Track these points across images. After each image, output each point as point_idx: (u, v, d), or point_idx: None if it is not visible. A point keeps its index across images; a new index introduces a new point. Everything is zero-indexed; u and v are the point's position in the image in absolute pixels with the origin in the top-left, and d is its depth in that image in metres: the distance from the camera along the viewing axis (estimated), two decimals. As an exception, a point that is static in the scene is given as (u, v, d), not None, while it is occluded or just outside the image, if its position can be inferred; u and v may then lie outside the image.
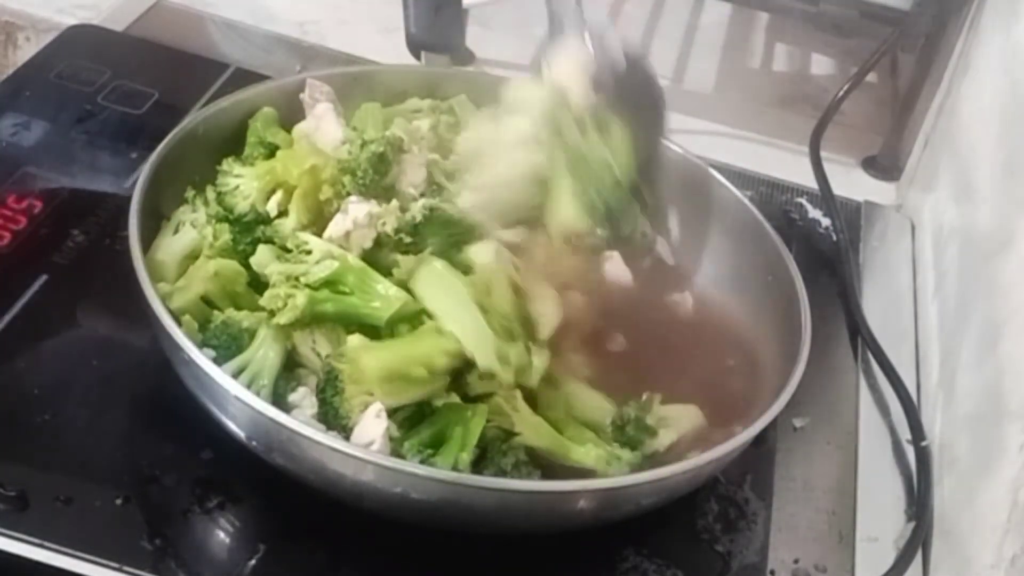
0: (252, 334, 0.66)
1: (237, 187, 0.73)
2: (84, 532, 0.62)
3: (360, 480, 0.60)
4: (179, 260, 0.71)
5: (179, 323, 0.64)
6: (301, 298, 0.66)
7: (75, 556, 0.61)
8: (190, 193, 0.75)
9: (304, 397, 0.65)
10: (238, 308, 0.68)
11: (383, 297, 0.67)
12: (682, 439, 0.70)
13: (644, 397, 0.70)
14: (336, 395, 0.63)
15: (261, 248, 0.70)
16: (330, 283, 0.67)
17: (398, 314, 0.67)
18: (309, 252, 0.68)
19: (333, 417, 0.63)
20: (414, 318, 0.67)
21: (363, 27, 1.12)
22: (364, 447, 0.61)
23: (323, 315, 0.67)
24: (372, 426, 0.62)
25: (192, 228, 0.73)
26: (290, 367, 0.67)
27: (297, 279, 0.67)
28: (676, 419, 0.70)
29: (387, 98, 0.85)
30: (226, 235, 0.71)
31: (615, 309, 0.77)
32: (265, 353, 0.66)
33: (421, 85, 0.88)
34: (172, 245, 0.72)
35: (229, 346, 0.65)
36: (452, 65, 0.96)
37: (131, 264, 0.65)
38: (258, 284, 0.70)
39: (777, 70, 1.23)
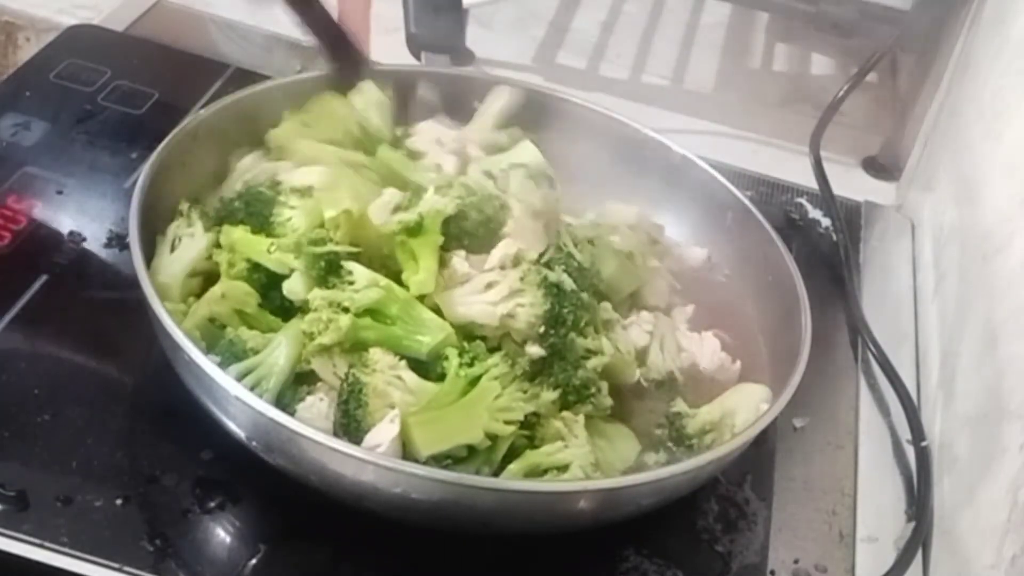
0: (258, 354, 0.66)
1: (289, 219, 0.72)
2: (84, 532, 0.62)
3: (360, 480, 0.60)
4: (182, 280, 0.71)
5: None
6: (345, 320, 0.66)
7: (75, 556, 0.61)
8: (184, 206, 0.74)
9: (312, 407, 0.65)
10: (250, 328, 0.68)
11: (426, 329, 0.67)
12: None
13: (673, 410, 0.70)
14: (359, 408, 0.63)
15: (295, 275, 0.69)
16: (373, 311, 0.67)
17: (440, 346, 0.66)
18: (352, 282, 0.68)
19: (355, 430, 0.63)
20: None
21: (363, 27, 1.12)
22: (371, 449, 0.61)
23: (364, 341, 0.66)
24: (384, 430, 0.62)
25: (192, 244, 0.72)
26: (300, 381, 0.67)
27: (339, 305, 0.66)
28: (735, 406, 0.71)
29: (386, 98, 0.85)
30: (242, 264, 0.70)
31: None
32: (275, 359, 0.66)
33: (421, 85, 0.88)
34: (173, 264, 0.71)
35: (232, 363, 0.65)
36: (452, 65, 0.96)
37: (131, 263, 0.65)
38: (275, 307, 0.70)
39: (777, 70, 1.23)
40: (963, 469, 0.73)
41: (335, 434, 0.63)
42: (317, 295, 0.67)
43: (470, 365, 0.66)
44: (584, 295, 0.70)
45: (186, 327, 0.66)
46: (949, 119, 0.99)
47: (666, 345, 0.74)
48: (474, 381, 0.65)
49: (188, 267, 0.71)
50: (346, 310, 0.66)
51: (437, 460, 0.62)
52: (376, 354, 0.65)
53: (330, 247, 0.69)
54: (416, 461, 0.61)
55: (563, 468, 0.65)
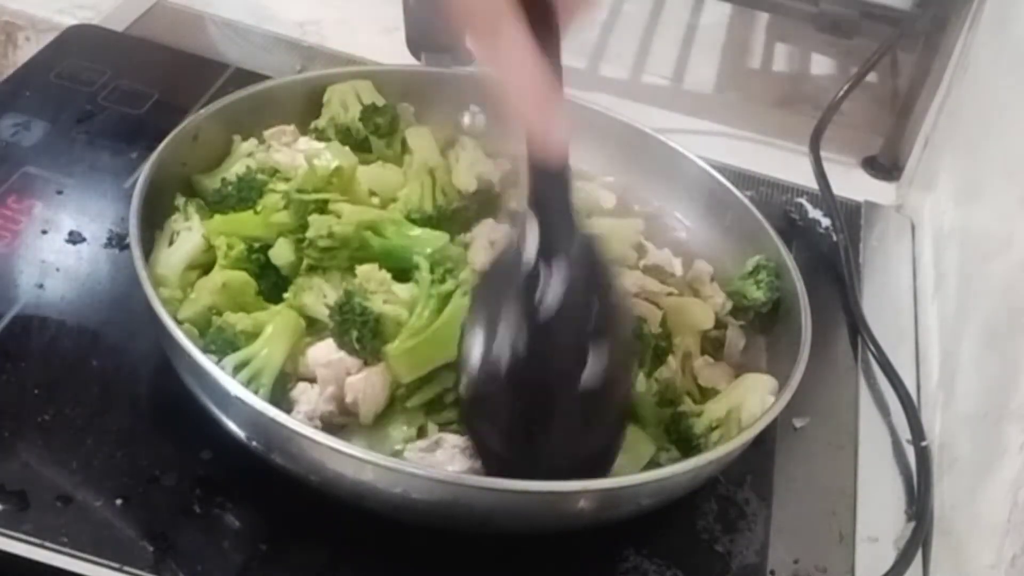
0: (249, 336, 0.66)
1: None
2: (84, 532, 0.62)
3: (360, 480, 0.60)
4: (180, 272, 0.71)
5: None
6: (349, 226, 0.67)
7: (75, 556, 0.61)
8: (179, 200, 0.74)
9: (303, 393, 0.65)
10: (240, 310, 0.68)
11: (424, 241, 0.69)
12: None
13: (679, 409, 0.70)
14: (376, 338, 0.64)
15: (280, 241, 0.70)
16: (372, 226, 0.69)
17: (437, 253, 0.68)
18: (340, 215, 0.70)
19: (372, 358, 0.64)
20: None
21: (363, 27, 1.12)
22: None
23: (367, 249, 0.68)
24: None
25: (189, 237, 0.72)
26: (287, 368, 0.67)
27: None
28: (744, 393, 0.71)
29: (387, 98, 0.85)
30: (240, 246, 0.71)
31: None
32: (269, 352, 0.66)
33: (421, 85, 0.88)
34: (171, 257, 0.71)
35: (225, 351, 0.65)
36: (452, 65, 0.96)
37: (131, 264, 0.65)
38: (268, 294, 0.70)
39: (777, 70, 1.23)
40: (963, 469, 0.73)
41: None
42: (315, 219, 0.68)
43: (442, 281, 0.66)
44: (662, 343, 0.72)
45: (186, 315, 0.67)
46: (949, 119, 0.99)
47: (687, 365, 0.74)
48: (446, 297, 0.66)
49: (186, 259, 0.71)
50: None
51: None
52: (365, 273, 0.66)
53: (319, 195, 0.70)
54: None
55: None
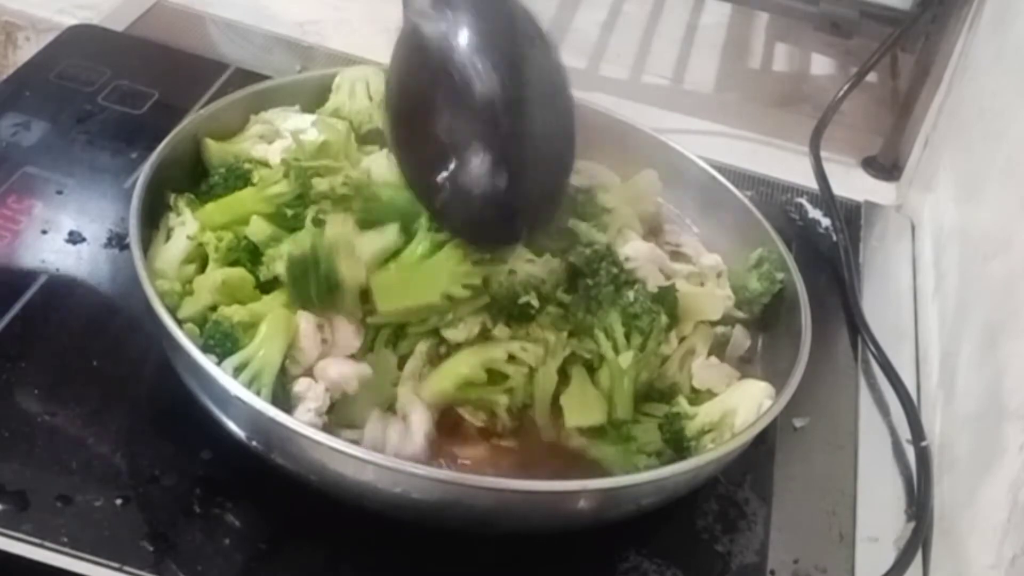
0: (246, 327, 0.66)
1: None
2: (84, 532, 0.62)
3: (360, 480, 0.60)
4: (177, 267, 0.71)
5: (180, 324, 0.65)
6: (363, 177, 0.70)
7: (75, 556, 0.61)
8: (171, 197, 0.74)
9: (308, 388, 0.65)
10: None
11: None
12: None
13: (673, 410, 0.70)
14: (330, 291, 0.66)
15: (254, 219, 0.70)
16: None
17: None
18: None
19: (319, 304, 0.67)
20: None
21: (363, 27, 1.12)
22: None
23: (375, 201, 0.71)
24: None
25: (183, 232, 0.72)
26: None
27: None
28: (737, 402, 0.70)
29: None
30: (228, 237, 0.71)
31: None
32: (267, 352, 0.65)
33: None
34: (167, 252, 0.71)
35: (224, 343, 0.65)
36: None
37: (131, 264, 0.65)
38: (265, 286, 0.70)
39: (777, 70, 1.23)
40: (963, 469, 0.73)
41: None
42: (319, 180, 0.70)
43: (439, 229, 0.68)
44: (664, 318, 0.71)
45: (187, 314, 0.67)
46: (949, 119, 0.99)
47: (687, 362, 0.74)
48: (440, 245, 0.67)
49: (182, 254, 0.71)
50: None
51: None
52: (335, 228, 0.68)
53: (319, 162, 0.71)
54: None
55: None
